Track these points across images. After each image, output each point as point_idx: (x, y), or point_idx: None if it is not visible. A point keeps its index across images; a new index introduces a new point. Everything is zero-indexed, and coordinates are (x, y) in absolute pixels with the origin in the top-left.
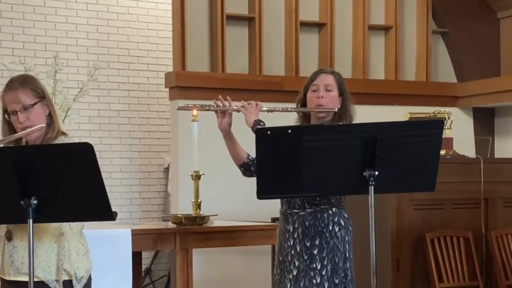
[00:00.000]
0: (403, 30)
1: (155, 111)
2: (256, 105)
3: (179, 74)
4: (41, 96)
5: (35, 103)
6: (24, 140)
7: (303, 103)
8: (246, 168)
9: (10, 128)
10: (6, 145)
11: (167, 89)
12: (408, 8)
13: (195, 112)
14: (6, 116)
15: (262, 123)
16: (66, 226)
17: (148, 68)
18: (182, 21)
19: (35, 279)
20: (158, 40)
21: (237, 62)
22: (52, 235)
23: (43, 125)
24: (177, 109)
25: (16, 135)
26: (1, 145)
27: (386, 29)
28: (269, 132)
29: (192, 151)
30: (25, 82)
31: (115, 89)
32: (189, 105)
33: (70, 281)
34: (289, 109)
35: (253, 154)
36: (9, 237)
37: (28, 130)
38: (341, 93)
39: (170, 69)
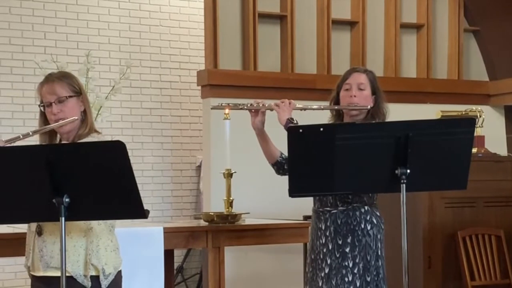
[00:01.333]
0: (435, 28)
1: (187, 109)
2: (289, 103)
3: (211, 72)
4: (78, 91)
5: (70, 97)
6: (58, 137)
7: (337, 102)
8: (279, 167)
9: (45, 120)
10: (40, 137)
11: (199, 87)
12: (440, 6)
13: (227, 110)
14: (41, 108)
15: (295, 122)
16: (94, 221)
17: (180, 66)
18: (214, 19)
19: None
20: (190, 38)
21: (269, 60)
22: (80, 230)
23: (76, 118)
24: (211, 109)
25: (49, 126)
26: (34, 136)
27: (418, 27)
28: (301, 130)
29: (224, 149)
30: (63, 76)
31: (147, 87)
32: (222, 104)
33: (97, 277)
34: (322, 107)
35: (286, 153)
36: (39, 231)
37: (60, 122)
38: (374, 92)
39: (202, 67)
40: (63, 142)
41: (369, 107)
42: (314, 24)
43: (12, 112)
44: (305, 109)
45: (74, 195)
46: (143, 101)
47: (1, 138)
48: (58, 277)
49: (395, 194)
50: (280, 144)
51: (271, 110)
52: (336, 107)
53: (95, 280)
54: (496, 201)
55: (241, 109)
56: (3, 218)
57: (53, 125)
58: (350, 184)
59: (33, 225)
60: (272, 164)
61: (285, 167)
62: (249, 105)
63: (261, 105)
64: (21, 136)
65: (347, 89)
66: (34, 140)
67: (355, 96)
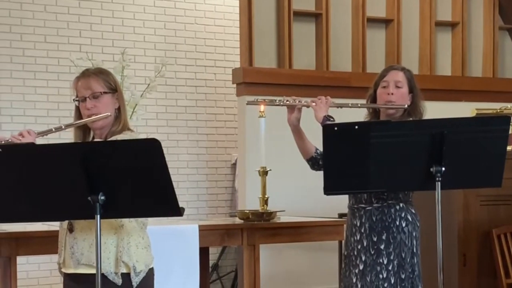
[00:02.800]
0: (470, 26)
1: (222, 107)
2: (326, 100)
3: (246, 70)
4: (113, 88)
5: (105, 93)
6: (91, 132)
7: (373, 99)
8: (314, 162)
9: (80, 115)
10: (74, 132)
11: (234, 85)
12: (474, 4)
13: (262, 108)
14: (76, 102)
15: (331, 119)
16: (125, 219)
17: (215, 64)
18: (249, 17)
19: (95, 271)
20: (226, 36)
21: (304, 58)
22: (111, 227)
23: (109, 114)
24: (247, 104)
25: (81, 121)
26: (67, 130)
27: (452, 25)
28: (336, 128)
29: (259, 147)
30: (99, 72)
31: (182, 85)
32: (258, 100)
33: (128, 274)
34: (358, 105)
35: (321, 149)
36: (70, 228)
37: (93, 117)
38: (411, 90)
39: (237, 65)
40: (96, 138)
41: (406, 106)
42: (349, 22)
43: (48, 110)
44: (341, 107)
45: (109, 193)
46: (178, 99)
47: (34, 130)
48: (88, 274)
49: (430, 192)
50: (316, 140)
51: (307, 107)
52: (373, 106)
53: (126, 277)
54: None
55: (277, 105)
56: (38, 216)
57: (85, 120)
58: (384, 182)
59: (65, 222)
60: (307, 159)
61: (320, 162)
62: (285, 101)
63: (297, 102)
64: (53, 129)
65: (384, 87)
66: (68, 137)
67: (392, 94)
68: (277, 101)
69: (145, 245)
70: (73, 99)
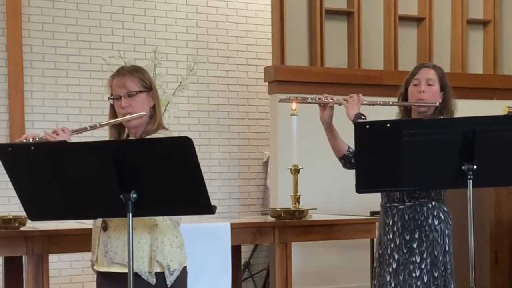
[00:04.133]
0: (502, 24)
1: (254, 105)
2: (358, 98)
3: (278, 68)
4: (148, 87)
5: (140, 92)
6: (126, 131)
7: (405, 97)
8: (346, 161)
9: (115, 113)
10: (110, 130)
11: (266, 83)
12: (506, 2)
13: (294, 106)
14: (111, 101)
15: (363, 117)
16: (159, 218)
17: (247, 62)
18: (281, 15)
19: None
20: (257, 35)
21: (336, 56)
22: (145, 226)
23: (144, 113)
24: (279, 102)
25: (116, 120)
26: (102, 129)
27: (484, 23)
28: (368, 126)
29: (291, 145)
30: (134, 70)
31: (214, 83)
32: (291, 98)
33: (162, 273)
34: (390, 103)
35: (353, 147)
36: (104, 227)
37: (128, 116)
38: (443, 88)
39: (269, 63)
40: (130, 137)
41: (437, 104)
42: (381, 20)
43: (80, 108)
44: (373, 105)
45: (141, 191)
46: (210, 97)
47: (69, 128)
48: (121, 273)
49: (462, 190)
50: (348, 138)
51: (339, 104)
52: (404, 104)
53: (160, 276)
54: None
55: (309, 102)
56: (71, 214)
57: (120, 119)
58: (416, 180)
59: (99, 220)
60: (339, 158)
61: (352, 161)
62: (317, 99)
63: (329, 99)
64: (88, 128)
65: (415, 85)
66: (101, 135)
67: (423, 91)
68: (309, 99)
69: (179, 244)
70: (108, 97)
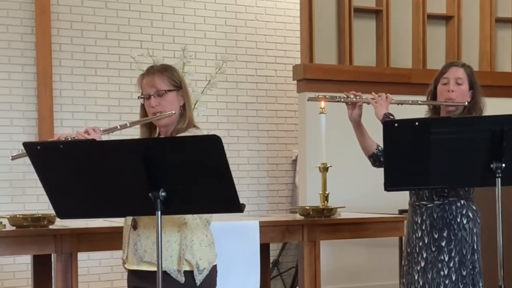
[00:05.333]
0: None
1: (283, 104)
2: (386, 97)
3: (307, 66)
4: (178, 86)
5: (170, 90)
6: (157, 129)
7: (434, 96)
8: (375, 159)
9: (146, 112)
10: (140, 129)
11: (295, 82)
12: None
13: (323, 104)
14: (141, 100)
15: (392, 116)
16: (189, 216)
17: (276, 61)
18: (310, 13)
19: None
20: (286, 33)
21: (364, 55)
22: (174, 225)
23: (173, 112)
24: (308, 100)
25: (146, 119)
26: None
27: None
28: (396, 125)
29: (320, 143)
30: (164, 69)
31: (243, 81)
32: (319, 96)
33: (191, 272)
34: (418, 102)
35: (382, 145)
36: (134, 225)
37: (158, 115)
38: (471, 87)
39: (298, 61)
40: (161, 135)
41: (466, 103)
42: (409, 18)
43: (109, 107)
44: (401, 104)
45: (170, 189)
46: (239, 95)
47: (100, 127)
48: (150, 272)
49: (490, 189)
50: (377, 136)
51: (368, 103)
52: (433, 103)
53: (189, 275)
54: None
55: (337, 101)
56: (99, 213)
57: (150, 118)
58: (445, 178)
59: (129, 219)
60: (368, 156)
61: (381, 159)
62: (346, 97)
63: (357, 98)
64: (118, 127)
65: (445, 83)
66: (130, 134)
67: (452, 90)
68: (338, 97)
69: (209, 243)
70: (138, 96)
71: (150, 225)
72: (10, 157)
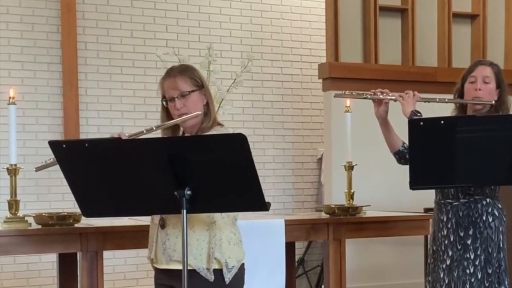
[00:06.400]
0: None
1: (308, 102)
2: (414, 95)
3: (332, 65)
4: (200, 85)
5: (193, 91)
6: (181, 129)
7: (461, 94)
8: (400, 156)
9: (168, 115)
10: (163, 132)
11: (320, 80)
12: None
13: (348, 102)
14: (164, 103)
15: (419, 114)
16: (217, 214)
17: (301, 59)
18: (335, 12)
19: (187, 267)
20: (311, 31)
21: (390, 53)
22: (203, 223)
23: (199, 112)
24: (334, 96)
25: (172, 122)
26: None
27: None
28: (422, 123)
29: (345, 142)
30: (184, 70)
31: (269, 80)
32: (346, 93)
33: (220, 270)
34: (446, 100)
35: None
36: (162, 224)
37: (184, 117)
38: (499, 85)
39: (323, 60)
40: (185, 135)
41: (493, 102)
42: (435, 17)
43: (134, 105)
44: (428, 101)
45: (195, 188)
46: (265, 94)
47: (124, 132)
48: (180, 270)
49: None
50: (403, 134)
51: (395, 101)
52: (460, 101)
53: (218, 273)
54: None
55: (364, 98)
56: (126, 211)
57: (176, 120)
58: (470, 177)
59: (156, 218)
60: (393, 153)
61: (407, 156)
62: (372, 94)
63: (385, 95)
64: (144, 131)
65: (472, 82)
66: (157, 134)
67: (480, 89)
68: (365, 94)
69: (237, 241)
70: (161, 100)
71: (179, 224)
72: (34, 169)
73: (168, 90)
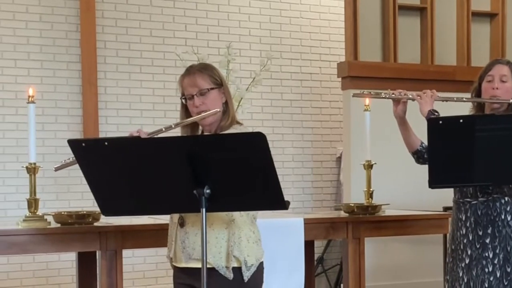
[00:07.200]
0: None
1: (327, 101)
2: (431, 94)
3: (351, 64)
4: (219, 83)
5: (212, 89)
6: (200, 128)
7: (478, 93)
8: (419, 156)
9: (187, 113)
10: (182, 129)
11: (340, 79)
12: None
13: (367, 101)
14: (183, 100)
15: (436, 113)
16: (236, 213)
17: (320, 58)
18: (355, 11)
19: (207, 265)
20: (331, 30)
21: (409, 52)
22: (222, 221)
23: (218, 109)
24: (352, 96)
25: (191, 119)
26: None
27: None
28: (441, 122)
29: (364, 141)
30: (204, 68)
31: (288, 79)
32: (364, 92)
33: (239, 268)
34: (463, 99)
35: (426, 142)
36: (181, 223)
37: (203, 114)
38: None
39: (343, 59)
40: (204, 133)
41: (510, 100)
42: (453, 16)
43: (153, 104)
44: (446, 101)
45: (214, 186)
46: (284, 92)
47: (144, 130)
48: (199, 269)
49: None
50: (421, 133)
51: (413, 100)
52: (477, 100)
53: (237, 271)
54: None
55: (382, 98)
56: (145, 209)
57: (195, 118)
58: (489, 176)
59: (175, 217)
60: (412, 153)
61: (425, 156)
62: (391, 94)
63: (402, 95)
64: (163, 129)
65: (489, 81)
66: (176, 133)
67: (497, 88)
68: (383, 94)
69: (256, 239)
70: (180, 97)
71: (198, 222)
72: (54, 169)
73: (187, 88)
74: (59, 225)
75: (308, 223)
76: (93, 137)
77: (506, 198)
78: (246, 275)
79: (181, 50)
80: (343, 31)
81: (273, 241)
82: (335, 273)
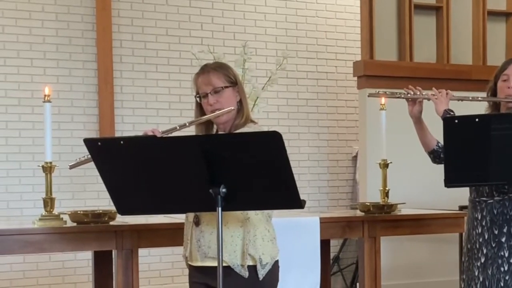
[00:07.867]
0: None
1: (343, 100)
2: (447, 93)
3: (367, 63)
4: (233, 82)
5: (226, 87)
6: (215, 127)
7: (494, 92)
8: (435, 155)
9: (201, 111)
10: (197, 128)
11: (355, 78)
12: None
13: (383, 100)
14: (197, 99)
15: (452, 113)
16: (251, 211)
17: (336, 57)
18: (370, 10)
19: (222, 264)
20: (346, 29)
21: (424, 51)
22: (237, 220)
23: (232, 107)
24: (368, 96)
25: (205, 117)
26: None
27: None
28: (456, 121)
29: (380, 140)
30: (218, 66)
31: (303, 78)
32: (379, 92)
33: (254, 267)
34: (479, 98)
35: (442, 141)
36: (196, 222)
37: (217, 112)
38: None
39: (358, 58)
40: (219, 132)
41: None
42: (469, 15)
43: (169, 103)
44: (462, 100)
45: (230, 185)
46: (300, 91)
47: (159, 128)
48: (215, 267)
49: None
50: (437, 133)
51: (428, 99)
52: (493, 99)
53: (252, 269)
54: None
55: (398, 97)
56: (161, 208)
57: (209, 116)
58: (505, 175)
59: (191, 216)
60: (428, 152)
61: (441, 155)
62: (406, 94)
63: (418, 94)
64: (177, 127)
65: (504, 80)
66: (191, 131)
67: None
68: (398, 93)
69: (271, 238)
70: (195, 96)
71: (213, 221)
72: (68, 167)
73: (202, 86)
74: (75, 224)
75: (324, 222)
76: (109, 136)
77: None
78: (261, 273)
79: (197, 49)
80: (359, 30)
81: (289, 240)
82: (351, 272)
